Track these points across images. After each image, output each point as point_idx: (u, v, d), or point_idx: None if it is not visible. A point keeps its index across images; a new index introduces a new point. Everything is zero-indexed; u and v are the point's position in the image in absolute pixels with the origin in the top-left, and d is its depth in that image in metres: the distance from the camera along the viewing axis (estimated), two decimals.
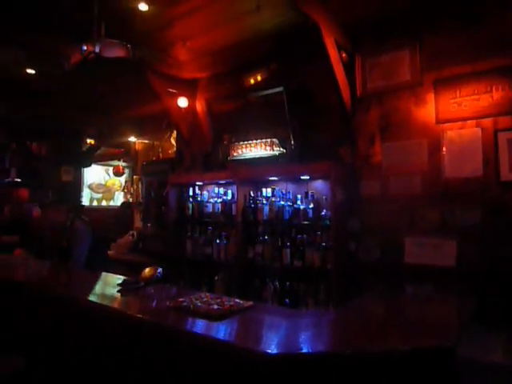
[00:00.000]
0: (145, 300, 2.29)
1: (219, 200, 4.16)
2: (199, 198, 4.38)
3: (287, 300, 3.52)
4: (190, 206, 4.39)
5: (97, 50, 2.45)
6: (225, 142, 4.19)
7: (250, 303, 2.06)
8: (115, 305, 2.19)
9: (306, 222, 3.50)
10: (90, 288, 2.73)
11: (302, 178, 3.67)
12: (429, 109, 3.16)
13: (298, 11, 2.95)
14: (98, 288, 2.77)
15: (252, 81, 4.00)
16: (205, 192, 4.38)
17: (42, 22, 3.25)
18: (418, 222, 3.10)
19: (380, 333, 1.75)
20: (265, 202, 3.73)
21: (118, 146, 7.58)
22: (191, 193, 4.42)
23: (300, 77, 3.81)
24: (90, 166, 8.69)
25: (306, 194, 3.52)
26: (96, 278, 3.12)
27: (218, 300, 2.08)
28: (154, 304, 2.20)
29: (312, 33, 3.17)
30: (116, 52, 2.60)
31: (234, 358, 1.56)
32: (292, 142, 3.71)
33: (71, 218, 3.64)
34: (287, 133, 3.77)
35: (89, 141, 7.60)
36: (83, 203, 8.23)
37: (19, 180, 7.62)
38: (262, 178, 3.86)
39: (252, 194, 3.85)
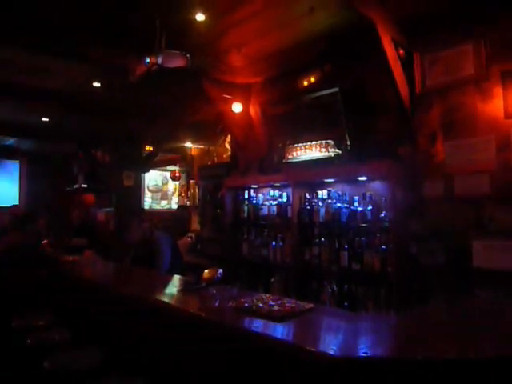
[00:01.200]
0: (207, 300, 2.37)
1: (274, 202, 4.20)
2: (255, 201, 4.44)
3: (346, 303, 3.46)
4: (246, 208, 4.47)
5: (159, 61, 2.59)
6: (279, 145, 4.22)
7: (311, 305, 2.06)
8: (180, 304, 2.29)
9: (363, 224, 3.43)
10: (155, 287, 2.87)
11: (359, 179, 3.60)
12: (496, 103, 2.97)
13: (354, 11, 2.91)
14: (163, 288, 2.90)
15: (306, 83, 4.00)
16: (260, 195, 4.44)
17: (108, 38, 3.49)
18: (488, 224, 2.91)
19: (451, 339, 1.68)
20: (320, 203, 3.71)
21: (174, 152, 7.91)
22: (247, 196, 4.50)
23: (355, 76, 3.75)
24: (148, 171, 9.13)
25: (364, 195, 3.45)
26: (160, 279, 3.28)
27: (279, 301, 2.10)
28: (216, 304, 2.27)
29: (367, 31, 3.11)
30: (176, 62, 2.73)
31: (295, 358, 1.57)
32: (348, 143, 3.66)
33: (150, 230, 3.85)
34: (342, 133, 3.72)
35: (148, 148, 7.99)
36: (143, 207, 8.67)
37: (86, 186, 8.19)
38: (317, 179, 3.83)
39: (307, 196, 3.84)
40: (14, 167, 9.11)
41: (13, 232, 3.67)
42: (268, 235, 4.20)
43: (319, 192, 3.73)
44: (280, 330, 1.75)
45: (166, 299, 2.43)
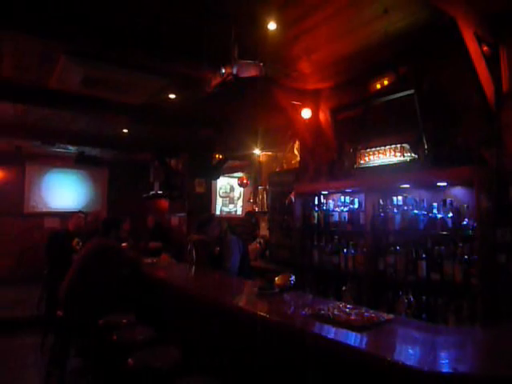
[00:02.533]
0: (282, 306, 2.39)
1: (345, 209, 4.11)
2: (325, 207, 4.39)
3: (424, 315, 3.28)
4: (316, 215, 4.43)
5: (234, 71, 2.68)
6: (350, 150, 4.14)
7: (391, 316, 1.99)
8: (255, 309, 2.32)
9: (444, 233, 3.23)
10: (230, 291, 2.95)
11: (438, 184, 3.40)
12: None
13: (433, 8, 2.78)
14: (237, 292, 2.98)
15: (378, 86, 3.89)
16: (330, 201, 4.38)
17: (184, 51, 3.69)
18: None
19: None
20: (395, 210, 3.56)
21: (242, 159, 8.10)
22: (316, 202, 4.45)
23: (432, 76, 3.57)
24: (218, 178, 9.43)
25: (444, 201, 3.25)
26: (233, 283, 3.36)
27: (356, 310, 2.05)
28: (291, 310, 2.28)
29: (447, 28, 2.95)
30: (250, 72, 2.81)
31: (376, 370, 1.52)
32: (425, 147, 3.48)
33: (224, 231, 4.00)
34: (419, 137, 3.55)
35: (218, 156, 8.28)
36: (213, 212, 8.96)
37: (161, 192, 8.66)
38: (392, 185, 3.68)
39: (381, 203, 3.71)
40: (99, 175, 9.95)
41: (98, 236, 3.96)
42: (339, 242, 4.12)
43: (394, 198, 3.59)
44: (360, 340, 1.71)
45: (241, 303, 2.49)
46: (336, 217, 4.21)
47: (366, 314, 1.98)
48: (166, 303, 3.48)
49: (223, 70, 2.75)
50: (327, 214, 4.32)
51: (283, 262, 4.99)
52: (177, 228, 8.49)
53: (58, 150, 8.37)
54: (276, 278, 2.74)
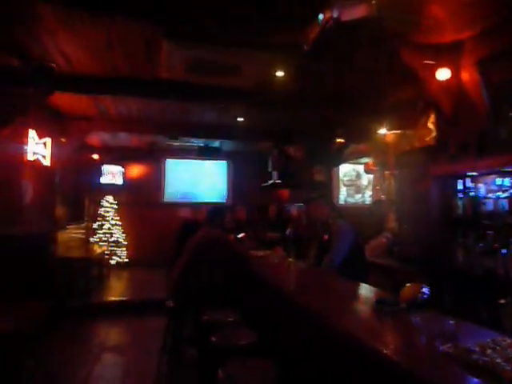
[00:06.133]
0: (407, 333, 1.68)
1: (504, 194, 3.05)
2: (473, 193, 3.36)
3: None
4: (460, 203, 3.45)
5: (335, 14, 2.03)
6: (510, 114, 3.04)
7: None
8: (367, 334, 1.67)
9: None
10: (339, 301, 2.33)
11: None
12: None
13: None
14: (348, 303, 2.33)
15: None
16: (481, 184, 3.34)
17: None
18: None
19: None
20: None
21: (366, 142, 7.19)
22: (460, 186, 3.45)
23: None
24: (339, 164, 8.68)
25: None
26: (347, 289, 2.71)
27: None
28: (422, 341, 1.56)
29: None
30: (356, 12, 2.11)
31: None
32: None
33: (333, 216, 3.42)
34: None
35: (338, 140, 7.55)
36: (336, 201, 8.29)
37: (280, 182, 8.35)
38: None
39: None
40: (223, 167, 10.21)
41: (203, 227, 3.77)
42: (494, 239, 3.09)
43: None
44: None
45: (349, 323, 1.85)
46: (490, 205, 3.18)
47: None
48: (265, 304, 3.05)
49: (321, 16, 2.12)
50: (476, 201, 3.31)
51: (415, 262, 4.07)
52: (296, 219, 8.06)
53: (185, 144, 8.75)
54: (403, 289, 2.03)
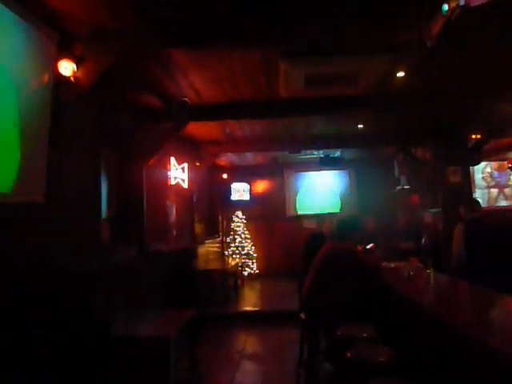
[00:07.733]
0: None
1: None
2: None
3: None
4: None
5: (462, 2, 1.85)
6: None
7: None
8: None
9: None
10: (498, 323, 2.04)
11: None
12: None
13: None
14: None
15: None
16: None
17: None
18: None
19: None
20: None
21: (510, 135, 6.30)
22: None
23: None
24: (478, 163, 7.75)
25: None
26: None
27: None
28: None
29: None
30: None
31: None
32: None
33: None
34: None
35: (474, 136, 6.76)
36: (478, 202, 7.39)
37: (408, 187, 7.82)
38: None
39: None
40: (345, 176, 10.04)
41: (328, 242, 3.73)
42: None
43: None
44: None
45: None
46: None
47: None
48: (401, 320, 2.85)
49: (445, 7, 1.96)
50: None
51: None
52: (431, 226, 7.41)
53: (306, 156, 8.88)
54: None
